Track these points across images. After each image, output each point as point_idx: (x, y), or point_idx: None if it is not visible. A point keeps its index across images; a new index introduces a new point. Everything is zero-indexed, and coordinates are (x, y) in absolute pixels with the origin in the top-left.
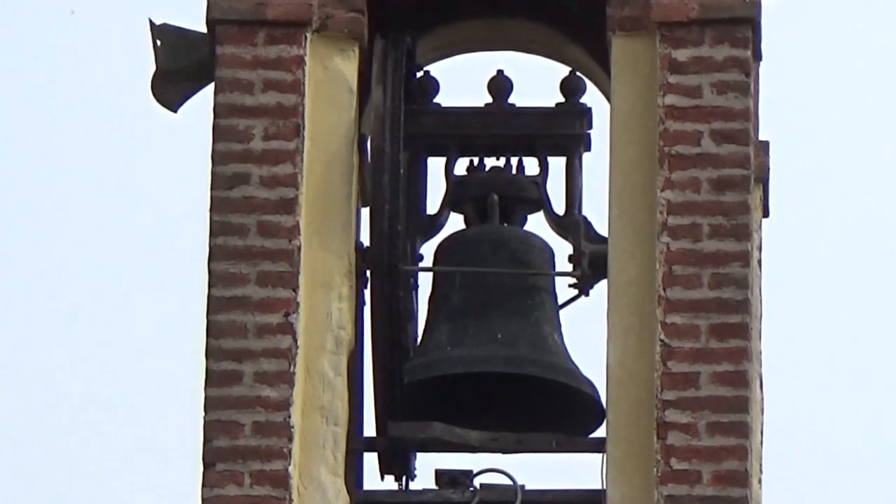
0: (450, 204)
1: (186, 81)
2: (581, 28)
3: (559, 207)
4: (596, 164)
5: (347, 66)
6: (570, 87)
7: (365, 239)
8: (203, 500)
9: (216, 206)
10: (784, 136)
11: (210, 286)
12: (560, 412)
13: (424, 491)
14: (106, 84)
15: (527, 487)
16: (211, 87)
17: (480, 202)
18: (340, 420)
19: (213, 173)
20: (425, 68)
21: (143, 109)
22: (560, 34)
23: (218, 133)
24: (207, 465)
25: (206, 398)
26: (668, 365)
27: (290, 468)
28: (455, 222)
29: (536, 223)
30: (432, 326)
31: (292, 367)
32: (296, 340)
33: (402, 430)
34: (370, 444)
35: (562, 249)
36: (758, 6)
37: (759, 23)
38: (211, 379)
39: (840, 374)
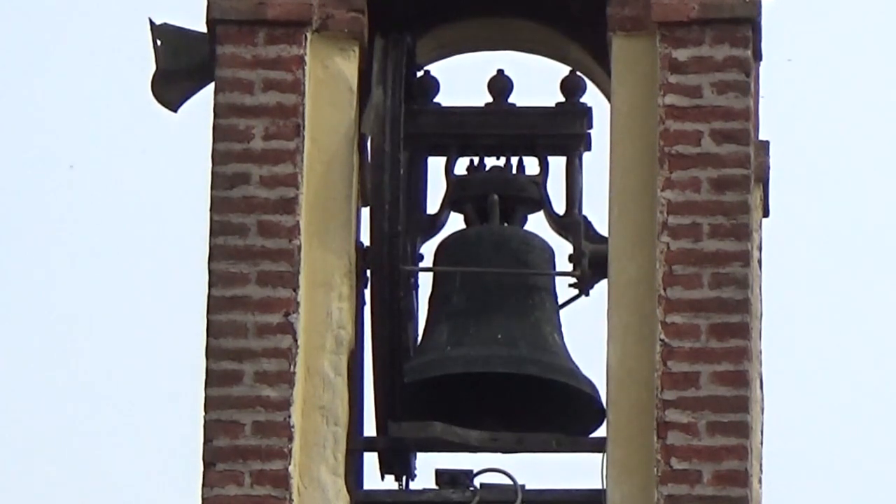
0: (450, 204)
1: (186, 81)
2: (581, 28)
3: (559, 207)
4: (596, 164)
5: (347, 66)
6: (571, 87)
7: (365, 239)
8: (203, 500)
9: (216, 205)
10: (784, 136)
11: (210, 286)
12: (560, 412)
13: (424, 491)
14: (106, 84)
15: (527, 487)
16: (211, 87)
17: (481, 202)
18: (340, 420)
19: (213, 173)
20: (425, 68)
21: (143, 109)
22: (560, 34)
23: (218, 133)
24: (207, 464)
25: (206, 398)
26: (668, 365)
27: (291, 468)
28: (455, 222)
29: (536, 223)
30: (432, 326)
31: (292, 366)
32: (296, 340)
33: (402, 430)
34: (370, 444)
35: (562, 249)
36: (758, 6)
37: (759, 23)
38: (211, 379)
39: (840, 374)
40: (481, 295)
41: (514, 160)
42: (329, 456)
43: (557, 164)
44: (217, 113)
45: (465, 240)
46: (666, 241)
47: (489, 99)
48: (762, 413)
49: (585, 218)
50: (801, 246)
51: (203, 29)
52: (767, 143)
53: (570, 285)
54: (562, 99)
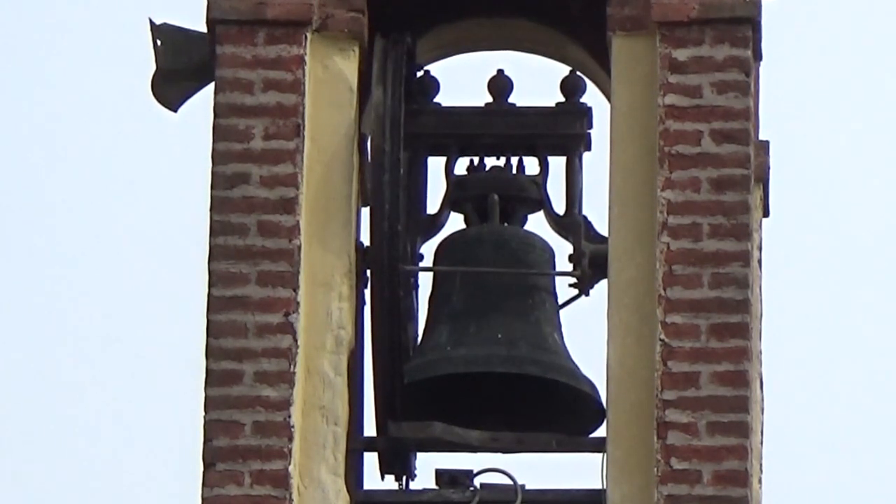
0: (450, 204)
1: (186, 81)
2: (581, 28)
3: (559, 207)
4: (596, 164)
5: (347, 66)
6: (571, 87)
7: (365, 239)
8: (203, 500)
9: (216, 205)
10: (784, 136)
11: (210, 286)
12: (560, 412)
13: (424, 491)
14: (106, 84)
15: (527, 487)
16: (211, 87)
17: (481, 202)
18: (340, 420)
19: (213, 173)
20: (425, 68)
21: (143, 109)
22: (560, 34)
23: (218, 133)
24: (207, 465)
25: (206, 398)
26: (668, 365)
27: (291, 468)
28: (455, 222)
29: (536, 223)
30: (432, 326)
31: (292, 366)
32: (296, 340)
33: (402, 430)
34: (370, 444)
35: (562, 249)
36: (758, 6)
37: (759, 23)
38: (211, 379)
39: (840, 373)
40: (481, 295)
41: (514, 160)
42: (329, 456)
43: (557, 164)
44: (217, 113)
45: (465, 240)
46: (666, 241)
47: (489, 99)
48: (762, 413)
49: (585, 218)
50: (801, 246)
51: (203, 29)
52: (767, 143)
53: (570, 285)
54: (562, 99)
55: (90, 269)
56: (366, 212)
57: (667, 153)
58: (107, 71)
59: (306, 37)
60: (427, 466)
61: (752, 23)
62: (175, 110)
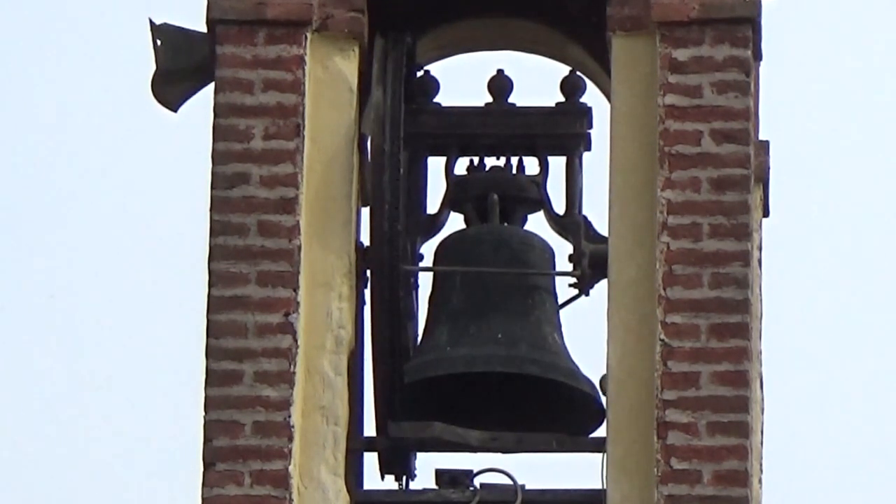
0: (450, 204)
1: (186, 81)
2: (581, 28)
3: (559, 207)
4: (596, 164)
5: (347, 66)
6: (571, 87)
7: (365, 239)
8: (203, 499)
9: (216, 205)
10: (784, 136)
11: (210, 286)
12: (560, 412)
13: (424, 491)
14: (106, 84)
15: (527, 487)
16: (211, 87)
17: (480, 202)
18: (340, 420)
19: (213, 173)
20: (425, 68)
21: (143, 109)
22: (560, 34)
23: (218, 133)
24: (207, 465)
25: (206, 398)
26: (668, 365)
27: (291, 468)
28: (455, 222)
29: (536, 223)
30: (432, 326)
31: (292, 366)
32: (296, 340)
33: (402, 430)
34: (370, 444)
35: (562, 249)
36: (758, 6)
37: (759, 23)
38: (211, 379)
39: (840, 373)
40: (481, 295)
41: (514, 160)
42: (329, 456)
43: (557, 164)
44: (217, 113)
45: (465, 240)
46: (666, 241)
47: (489, 99)
48: (762, 413)
49: (585, 218)
50: (801, 246)
51: (203, 29)
52: (767, 143)
53: (570, 285)
54: (562, 99)
55: (90, 268)
56: (366, 212)
57: (667, 153)
58: (107, 71)
59: (306, 37)
60: (427, 466)
61: (752, 23)
62: (175, 110)
